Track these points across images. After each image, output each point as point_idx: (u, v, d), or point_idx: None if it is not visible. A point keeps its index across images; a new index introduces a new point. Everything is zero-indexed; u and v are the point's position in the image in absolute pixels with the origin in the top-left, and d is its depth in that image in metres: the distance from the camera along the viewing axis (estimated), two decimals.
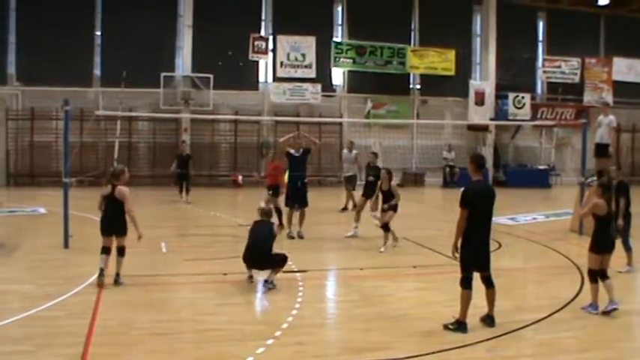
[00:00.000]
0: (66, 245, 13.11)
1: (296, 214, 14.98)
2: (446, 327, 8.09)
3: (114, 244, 10.23)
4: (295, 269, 11.45)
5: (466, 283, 8.12)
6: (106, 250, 10.15)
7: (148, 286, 10.24)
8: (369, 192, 15.55)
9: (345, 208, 20.12)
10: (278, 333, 7.94)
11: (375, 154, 17.29)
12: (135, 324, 7.97)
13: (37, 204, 19.65)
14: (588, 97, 32.34)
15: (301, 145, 15.16)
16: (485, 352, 7.43)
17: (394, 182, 14.05)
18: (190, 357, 7.16)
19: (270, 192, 15.74)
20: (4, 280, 10.54)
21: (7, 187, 26.09)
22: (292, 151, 15.05)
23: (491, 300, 8.31)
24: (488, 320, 8.27)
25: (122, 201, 10.15)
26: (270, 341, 7.62)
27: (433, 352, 7.34)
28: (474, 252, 8.12)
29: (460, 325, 8.02)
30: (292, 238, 14.75)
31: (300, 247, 13.70)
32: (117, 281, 10.16)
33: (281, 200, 15.38)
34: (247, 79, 29.02)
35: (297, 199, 14.83)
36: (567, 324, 8.53)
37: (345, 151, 21.14)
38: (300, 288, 10.24)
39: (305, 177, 15.02)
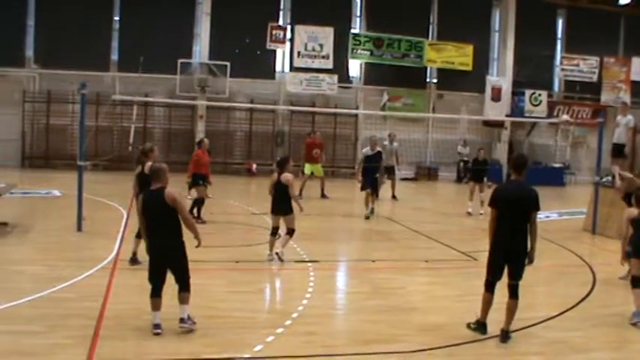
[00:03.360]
0: (79, 228, 13.16)
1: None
2: (468, 325, 7.92)
3: None
4: (307, 259, 11.48)
5: (487, 286, 7.86)
6: None
7: None
8: (478, 178, 18.67)
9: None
10: (288, 322, 7.96)
11: (483, 150, 20.51)
12: (146, 309, 7.97)
13: (52, 186, 19.72)
14: (606, 97, 32.03)
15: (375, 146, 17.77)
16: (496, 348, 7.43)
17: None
18: (200, 343, 7.18)
19: (201, 182, 15.68)
20: (16, 261, 10.64)
21: (21, 168, 26.23)
22: (367, 149, 17.77)
23: (509, 311, 7.64)
24: (502, 335, 7.61)
25: None
26: (280, 330, 7.64)
27: (442, 347, 7.34)
28: (498, 256, 7.83)
29: (480, 326, 7.86)
30: (368, 218, 16.72)
31: (313, 238, 13.66)
32: (132, 260, 10.28)
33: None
34: (264, 67, 28.97)
35: (374, 188, 17.31)
36: (578, 323, 8.50)
37: (385, 142, 21.15)
38: (312, 278, 10.25)
39: (377, 172, 17.54)
